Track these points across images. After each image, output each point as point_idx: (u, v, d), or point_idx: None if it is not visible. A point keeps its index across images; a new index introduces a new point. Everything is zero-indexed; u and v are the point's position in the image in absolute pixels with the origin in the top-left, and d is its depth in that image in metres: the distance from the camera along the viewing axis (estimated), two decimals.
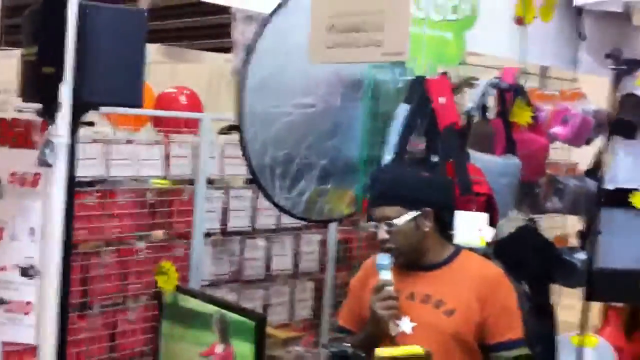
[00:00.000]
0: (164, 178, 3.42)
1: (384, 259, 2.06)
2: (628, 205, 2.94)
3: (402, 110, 2.73)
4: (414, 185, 2.13)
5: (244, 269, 3.68)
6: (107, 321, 3.14)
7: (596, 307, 3.15)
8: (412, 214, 2.06)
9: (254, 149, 2.58)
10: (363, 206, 2.69)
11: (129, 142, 3.39)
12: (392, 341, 2.00)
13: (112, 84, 2.12)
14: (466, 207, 2.47)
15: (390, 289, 2.01)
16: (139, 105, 2.19)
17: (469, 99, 2.95)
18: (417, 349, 1.86)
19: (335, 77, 2.79)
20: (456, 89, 2.86)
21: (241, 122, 2.57)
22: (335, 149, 2.80)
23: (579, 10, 3.33)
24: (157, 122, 3.75)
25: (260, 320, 1.82)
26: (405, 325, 2.02)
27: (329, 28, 1.74)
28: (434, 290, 2.06)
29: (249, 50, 2.61)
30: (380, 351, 1.85)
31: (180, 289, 2.08)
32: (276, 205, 2.69)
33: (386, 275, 2.04)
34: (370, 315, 2.03)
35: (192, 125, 3.66)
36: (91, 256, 3.12)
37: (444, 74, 2.69)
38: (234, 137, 3.71)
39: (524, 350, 2.07)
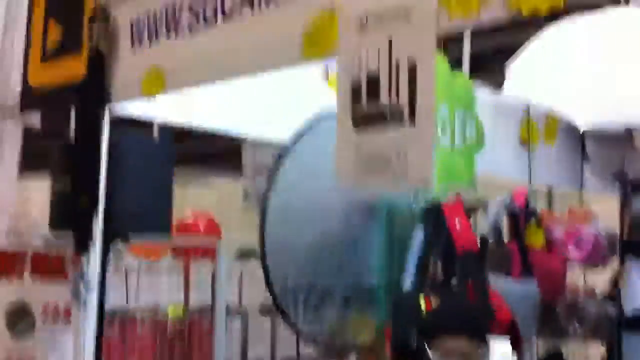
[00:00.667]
0: (185, 305, 3.44)
1: None
2: None
3: (419, 234, 2.81)
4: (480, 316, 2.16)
5: None
6: None
7: None
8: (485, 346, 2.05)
9: (276, 275, 2.63)
10: (385, 333, 2.70)
11: (149, 269, 3.45)
12: None
13: (143, 213, 2.21)
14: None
15: None
16: (169, 231, 2.27)
17: (480, 222, 3.02)
18: None
19: (353, 204, 2.89)
20: (469, 211, 2.94)
21: (263, 251, 2.64)
22: (355, 274, 2.84)
23: (582, 133, 3.46)
24: (176, 250, 3.82)
25: None
26: None
27: (355, 160, 1.84)
28: None
29: (271, 179, 2.72)
30: None
31: None
32: (299, 332, 2.70)
33: None
34: None
35: (210, 252, 3.72)
36: None
37: (458, 197, 2.78)
38: (252, 263, 3.80)
39: None
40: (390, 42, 1.83)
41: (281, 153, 2.77)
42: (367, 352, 4.00)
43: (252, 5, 2.42)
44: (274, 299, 2.64)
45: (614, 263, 3.27)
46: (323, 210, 2.81)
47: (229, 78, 2.50)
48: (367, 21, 1.91)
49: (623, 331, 3.05)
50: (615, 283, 3.22)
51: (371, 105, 1.76)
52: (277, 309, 2.69)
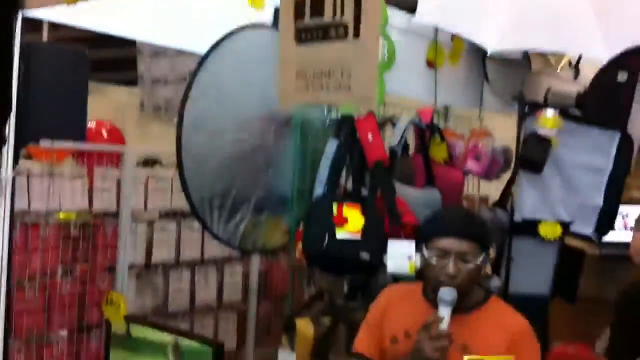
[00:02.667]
0: (89, 212, 3.39)
1: (448, 294, 1.92)
2: (536, 235, 3.19)
3: (332, 147, 2.89)
4: (486, 226, 2.10)
5: (169, 301, 3.68)
6: (30, 358, 3.06)
7: None
8: (484, 255, 2.00)
9: (192, 183, 2.65)
10: (296, 237, 2.81)
11: (51, 175, 3.34)
12: None
13: (57, 119, 2.14)
14: (395, 236, 2.64)
15: (446, 327, 1.89)
16: (83, 138, 2.23)
17: (390, 137, 3.14)
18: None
19: (267, 115, 2.92)
20: (380, 126, 3.04)
21: (179, 158, 2.64)
22: (268, 181, 2.91)
23: (484, 56, 3.61)
24: (78, 155, 3.70)
25: (218, 347, 1.87)
26: None
27: (297, 74, 1.84)
28: (461, 333, 1.96)
29: (186, 88, 2.69)
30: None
31: (130, 319, 2.10)
32: (215, 236, 2.76)
33: (446, 312, 1.91)
34: (414, 351, 1.89)
35: (113, 159, 3.65)
36: (14, 291, 3.04)
37: (371, 112, 2.87)
38: (156, 170, 3.78)
39: None
40: None
41: (199, 63, 2.74)
42: (278, 253, 4.15)
43: None
44: (191, 206, 2.67)
45: (508, 176, 3.51)
46: (238, 119, 2.82)
47: None
48: None
49: (513, 236, 3.32)
50: (507, 194, 3.46)
51: (315, 20, 1.75)
52: (194, 215, 2.72)
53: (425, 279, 2.07)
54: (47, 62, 2.15)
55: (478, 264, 1.99)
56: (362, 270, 2.79)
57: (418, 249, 2.08)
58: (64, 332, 3.23)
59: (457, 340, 1.94)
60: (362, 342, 2.12)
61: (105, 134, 4.08)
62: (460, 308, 1.97)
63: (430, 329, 1.88)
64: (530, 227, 3.23)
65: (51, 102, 2.14)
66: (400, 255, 2.56)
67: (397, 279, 2.74)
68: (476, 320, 2.01)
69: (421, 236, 2.08)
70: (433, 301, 2.00)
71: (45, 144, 2.32)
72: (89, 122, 4.22)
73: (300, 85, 1.82)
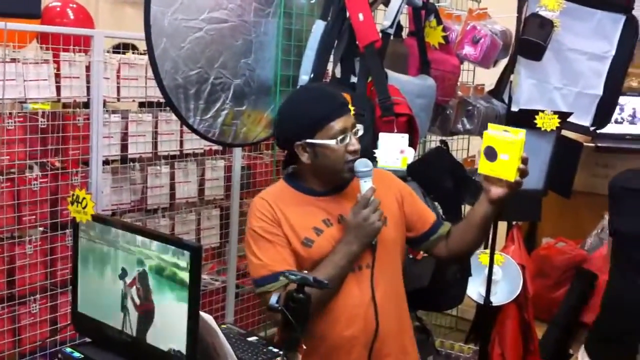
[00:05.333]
0: (57, 101, 3.15)
1: (367, 164, 1.93)
2: (533, 127, 3.02)
3: (318, 28, 2.65)
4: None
5: (147, 197, 3.52)
6: (1, 255, 2.92)
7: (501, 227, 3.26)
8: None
9: (164, 67, 2.40)
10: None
11: (13, 60, 3.07)
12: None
13: None
14: (387, 128, 2.45)
15: (375, 197, 1.92)
16: (38, 15, 1.96)
17: (383, 18, 2.89)
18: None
19: None
20: (372, 4, 2.78)
21: (149, 37, 2.38)
22: (249, 68, 2.67)
23: None
24: (43, 39, 3.42)
25: (195, 249, 1.71)
26: None
27: None
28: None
29: None
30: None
31: (98, 218, 1.93)
32: (191, 128, 2.55)
33: (370, 183, 1.93)
34: (355, 229, 1.90)
35: (82, 44, 3.37)
36: None
37: None
38: (129, 57, 3.50)
39: (448, 225, 2.15)
40: None
41: None
42: (262, 146, 3.98)
43: None
44: (164, 94, 2.44)
45: (505, 63, 3.30)
46: None
47: None
48: None
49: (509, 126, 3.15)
50: (505, 82, 3.26)
51: None
52: (168, 104, 2.50)
53: (322, 167, 1.95)
54: None
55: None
56: None
57: (302, 144, 1.94)
58: (36, 230, 3.07)
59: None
60: (275, 259, 1.91)
61: (71, 14, 3.75)
62: (339, 187, 2.00)
63: (368, 202, 1.89)
64: (527, 118, 3.07)
65: None
66: (392, 148, 2.39)
67: None
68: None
69: (305, 129, 1.92)
70: (319, 192, 1.99)
71: None
72: (53, 1, 3.91)
73: None
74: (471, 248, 2.15)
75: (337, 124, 1.91)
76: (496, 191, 1.93)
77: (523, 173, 1.89)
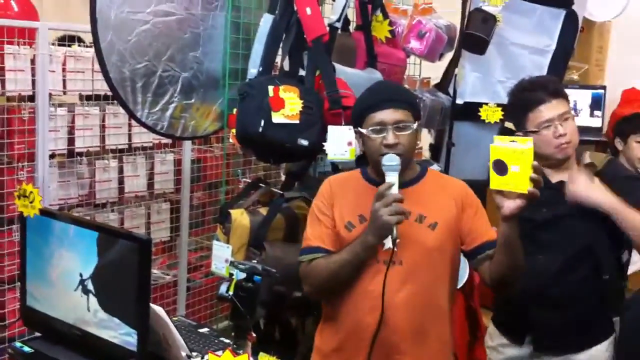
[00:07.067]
0: (1, 95, 3.09)
1: (393, 159, 1.94)
2: (477, 119, 3.10)
3: (267, 21, 2.66)
4: (413, 94, 2.15)
5: (96, 191, 3.48)
6: None
7: None
8: (417, 122, 2.04)
9: (110, 60, 2.39)
10: (229, 122, 2.62)
11: None
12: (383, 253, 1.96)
13: None
14: (335, 121, 2.49)
15: (397, 191, 1.91)
16: None
17: (330, 12, 2.92)
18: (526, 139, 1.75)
19: None
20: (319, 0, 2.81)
21: (95, 30, 2.36)
22: (197, 61, 2.67)
23: None
24: None
25: (144, 242, 1.72)
26: (389, 240, 1.94)
27: None
28: (414, 205, 1.99)
29: None
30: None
31: (47, 213, 1.91)
32: (139, 121, 2.54)
33: (394, 177, 1.93)
34: (371, 222, 1.92)
35: (26, 36, 3.30)
36: None
37: None
38: (75, 49, 3.45)
39: None
40: None
41: None
42: (211, 139, 3.97)
43: None
44: (111, 87, 2.43)
45: (450, 56, 3.37)
46: None
47: None
48: None
49: (454, 119, 3.23)
50: (449, 76, 3.33)
51: None
52: (115, 97, 2.48)
53: (368, 157, 2.07)
54: None
55: (414, 131, 2.02)
56: (300, 158, 2.66)
57: (355, 131, 2.10)
58: None
59: (414, 211, 1.99)
60: (316, 236, 2.06)
61: (15, 6, 3.67)
62: (403, 183, 2.00)
63: (383, 196, 1.90)
64: (471, 111, 3.15)
65: None
66: (341, 140, 2.43)
67: (336, 166, 2.63)
68: (422, 192, 2.07)
69: (355, 118, 2.09)
70: (377, 181, 2.02)
71: None
72: None
73: None
74: (504, 273, 1.95)
75: (377, 116, 1.99)
76: (509, 206, 1.80)
77: (537, 183, 1.75)
